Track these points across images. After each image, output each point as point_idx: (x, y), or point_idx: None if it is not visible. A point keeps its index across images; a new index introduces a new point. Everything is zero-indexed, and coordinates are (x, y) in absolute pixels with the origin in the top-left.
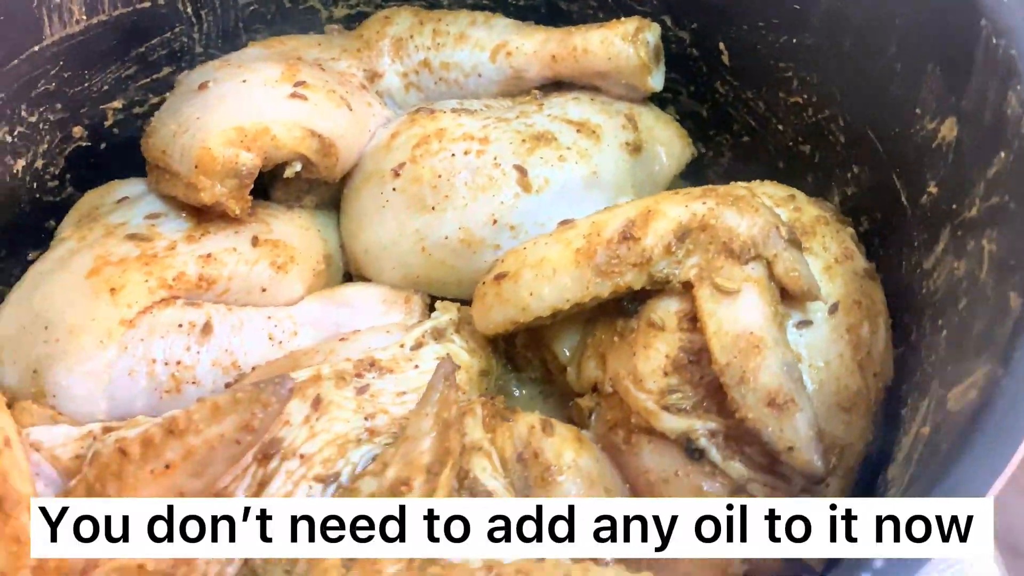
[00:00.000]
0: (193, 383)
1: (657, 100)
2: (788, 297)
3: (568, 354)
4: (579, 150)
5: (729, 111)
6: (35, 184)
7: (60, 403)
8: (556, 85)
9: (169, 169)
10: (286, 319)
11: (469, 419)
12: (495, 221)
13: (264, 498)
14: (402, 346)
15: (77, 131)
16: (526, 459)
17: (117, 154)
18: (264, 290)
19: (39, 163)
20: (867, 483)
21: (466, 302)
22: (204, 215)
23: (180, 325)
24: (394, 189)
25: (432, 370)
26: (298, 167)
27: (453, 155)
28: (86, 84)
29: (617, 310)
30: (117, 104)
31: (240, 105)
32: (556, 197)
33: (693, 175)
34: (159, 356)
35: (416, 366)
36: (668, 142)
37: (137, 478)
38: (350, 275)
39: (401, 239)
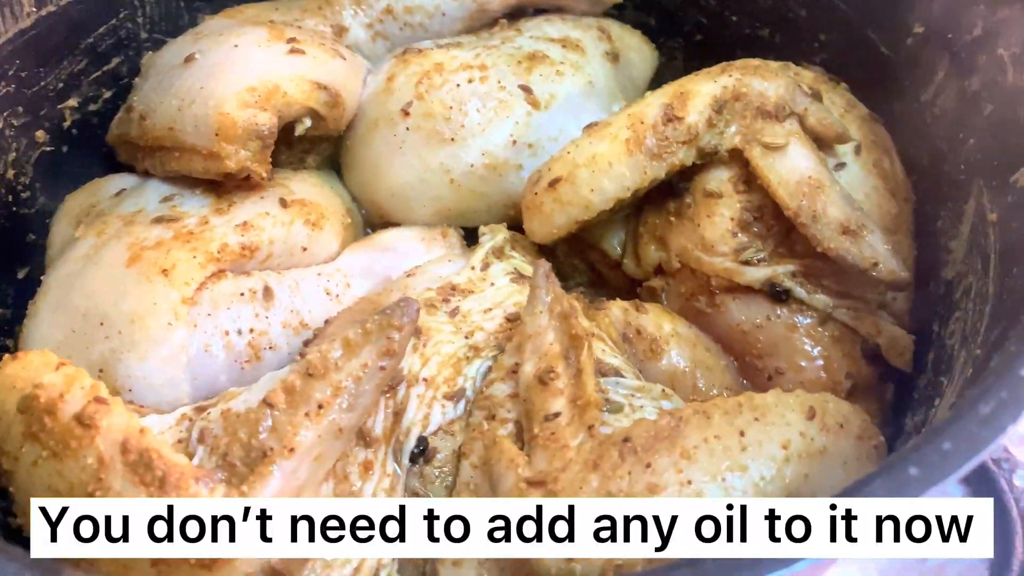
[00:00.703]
0: (270, 348)
1: (604, 15)
2: (819, 145)
3: (618, 249)
4: (571, 63)
5: (677, 15)
6: (10, 197)
7: (138, 395)
8: (516, 15)
9: (181, 146)
10: (336, 273)
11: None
12: (514, 141)
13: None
14: (472, 268)
15: (40, 135)
16: (630, 337)
17: (78, 157)
18: (304, 249)
19: (10, 173)
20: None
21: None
22: (221, 187)
23: (242, 294)
24: (407, 129)
25: (506, 285)
26: (308, 123)
27: (458, 85)
28: (42, 83)
29: (664, 193)
30: (73, 103)
31: (245, 67)
32: (562, 110)
33: (652, 83)
34: (231, 327)
35: (492, 284)
36: (638, 48)
37: (294, 424)
38: (372, 224)
39: (427, 175)
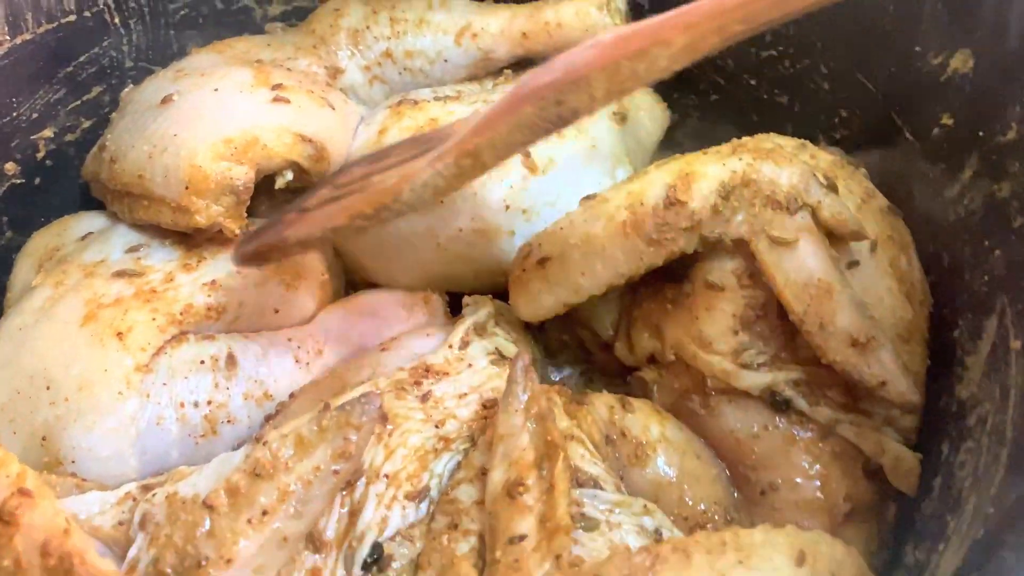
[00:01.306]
0: (228, 421)
1: None
2: (831, 240)
3: (609, 330)
4: (575, 125)
5: (693, 71)
6: None
7: (82, 467)
8: (523, 63)
9: (149, 195)
10: (308, 339)
11: (553, 408)
12: (507, 206)
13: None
14: (450, 347)
15: (10, 167)
16: (614, 440)
17: (53, 189)
18: (276, 311)
19: None
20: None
21: (482, 294)
22: (192, 240)
23: (202, 362)
24: None
25: (485, 367)
26: (290, 176)
27: None
28: (14, 113)
29: (662, 278)
30: (48, 133)
31: (222, 115)
32: (561, 174)
33: (663, 139)
34: (187, 398)
35: (469, 365)
36: (649, 108)
37: (234, 531)
38: (353, 282)
39: (412, 238)
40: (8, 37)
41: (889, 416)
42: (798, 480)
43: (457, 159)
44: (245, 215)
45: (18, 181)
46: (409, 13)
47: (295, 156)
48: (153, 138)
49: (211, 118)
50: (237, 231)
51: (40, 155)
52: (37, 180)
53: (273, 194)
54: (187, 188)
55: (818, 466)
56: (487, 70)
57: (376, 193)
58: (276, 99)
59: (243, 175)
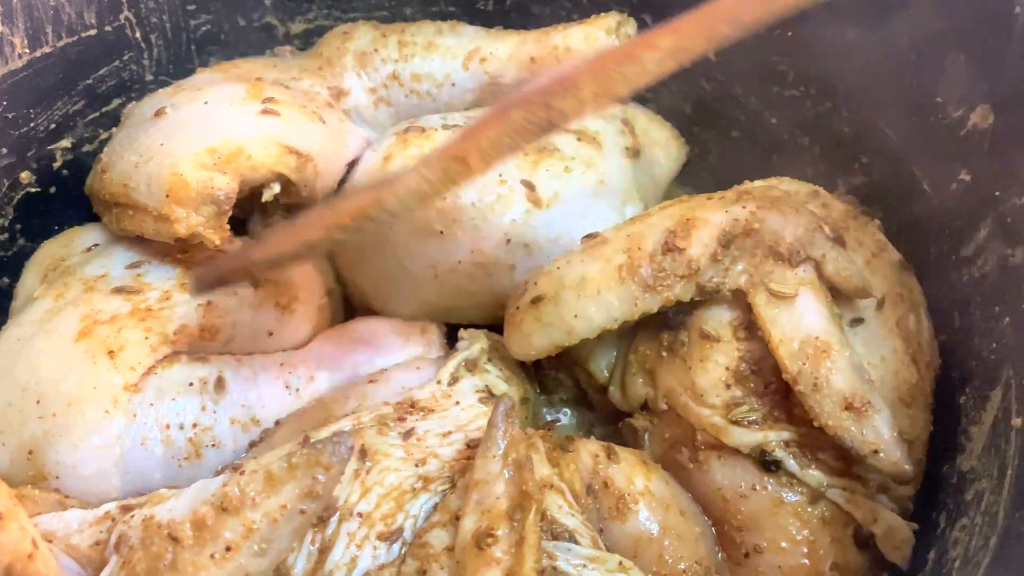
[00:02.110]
0: (213, 445)
1: (637, 98)
2: (837, 296)
3: (605, 372)
4: (583, 159)
5: (715, 107)
6: None
7: (65, 484)
8: None
9: (134, 204)
10: (300, 365)
11: (533, 455)
12: (508, 240)
13: None
14: (439, 383)
15: (25, 176)
16: (596, 490)
17: (68, 199)
18: (271, 334)
19: None
20: (925, 474)
21: (481, 326)
22: (190, 258)
23: (191, 384)
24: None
25: (473, 405)
26: (276, 188)
27: None
28: (32, 124)
29: (659, 323)
30: (65, 143)
31: (209, 126)
32: (566, 209)
33: (680, 174)
34: (173, 420)
35: (457, 402)
36: (664, 144)
37: (196, 565)
38: (351, 306)
39: (411, 267)
40: (28, 50)
41: (884, 483)
42: (784, 544)
43: (444, 163)
44: (227, 227)
45: (33, 190)
46: (418, 37)
47: (281, 168)
48: (141, 148)
49: (197, 129)
50: (217, 242)
51: (56, 165)
52: (52, 189)
53: (267, 209)
54: (168, 196)
55: (806, 531)
56: (495, 95)
57: (357, 202)
58: (265, 111)
59: (225, 185)
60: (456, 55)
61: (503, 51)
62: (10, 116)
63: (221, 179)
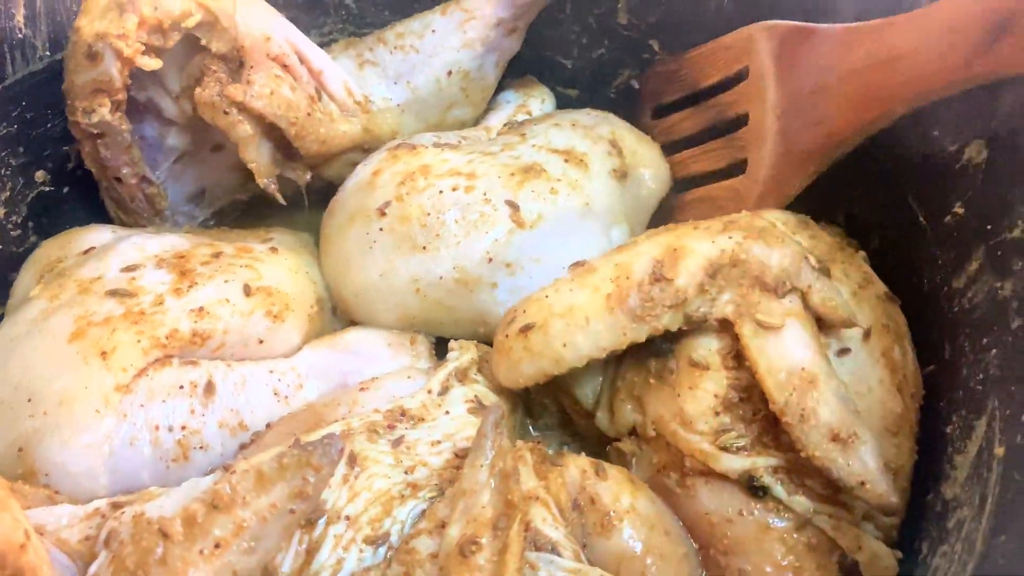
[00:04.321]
0: (201, 448)
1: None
2: (821, 326)
3: (591, 398)
4: (569, 181)
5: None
6: None
7: (55, 481)
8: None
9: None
10: (289, 372)
11: (520, 467)
12: (490, 259)
13: None
14: (429, 392)
15: (40, 176)
16: (582, 505)
17: (80, 199)
18: (261, 341)
19: (1, 212)
20: (911, 499)
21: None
22: (187, 264)
23: (181, 387)
24: (381, 229)
25: (463, 415)
26: (198, 16)
27: (441, 192)
28: (49, 125)
29: (647, 350)
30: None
31: None
32: (550, 230)
33: (680, 191)
34: (162, 422)
35: (447, 412)
36: (653, 164)
37: (185, 561)
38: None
39: (393, 281)
40: (48, 52)
41: (869, 511)
42: (769, 569)
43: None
44: (132, 29)
45: (47, 189)
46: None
47: None
48: None
49: None
50: (116, 33)
51: (71, 165)
52: (66, 189)
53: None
54: (81, 13)
55: (791, 557)
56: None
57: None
58: None
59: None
60: (434, 11)
61: None
62: (29, 116)
63: None
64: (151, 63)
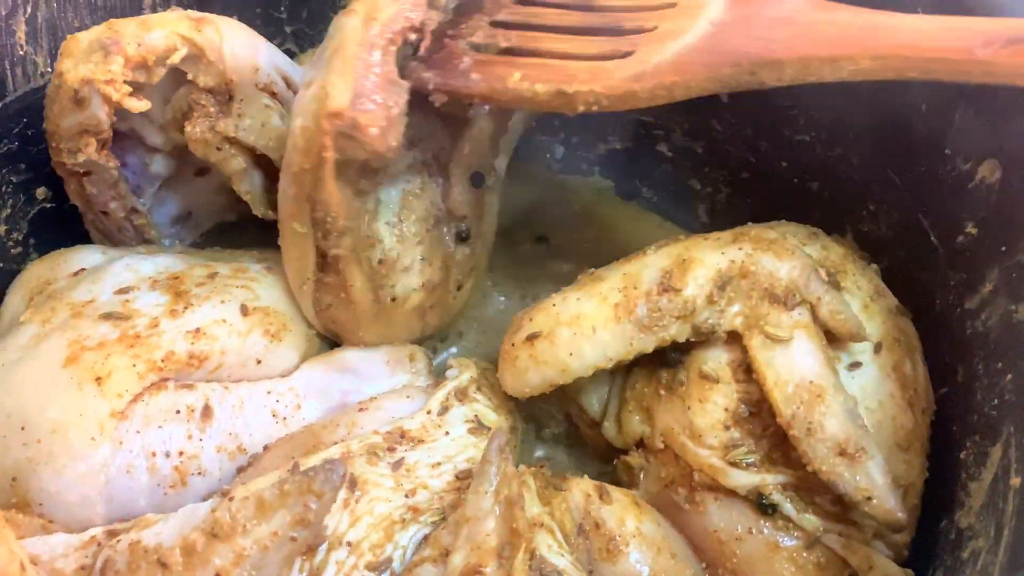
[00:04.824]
0: (199, 473)
1: (649, 137)
2: (832, 340)
3: (597, 408)
4: None
5: (727, 148)
6: None
7: (49, 511)
8: None
9: (50, 98)
10: (288, 392)
11: (524, 492)
12: None
13: None
14: (428, 412)
15: (41, 192)
16: (587, 530)
17: (80, 217)
18: (259, 362)
19: (1, 228)
20: (924, 525)
21: None
22: (182, 285)
23: (178, 411)
24: None
25: (463, 436)
26: (183, 51)
27: None
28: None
29: (656, 361)
30: None
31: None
32: None
33: (683, 208)
34: (159, 448)
35: (447, 432)
36: None
37: None
38: None
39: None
40: (50, 69)
41: (879, 529)
42: None
43: (653, 88)
44: (117, 73)
45: (48, 206)
46: None
47: (177, 28)
48: None
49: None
50: (104, 79)
51: None
52: (67, 206)
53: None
54: (61, 54)
55: None
56: None
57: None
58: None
59: (116, 36)
60: None
61: None
62: (30, 133)
63: (111, 35)
64: (139, 105)
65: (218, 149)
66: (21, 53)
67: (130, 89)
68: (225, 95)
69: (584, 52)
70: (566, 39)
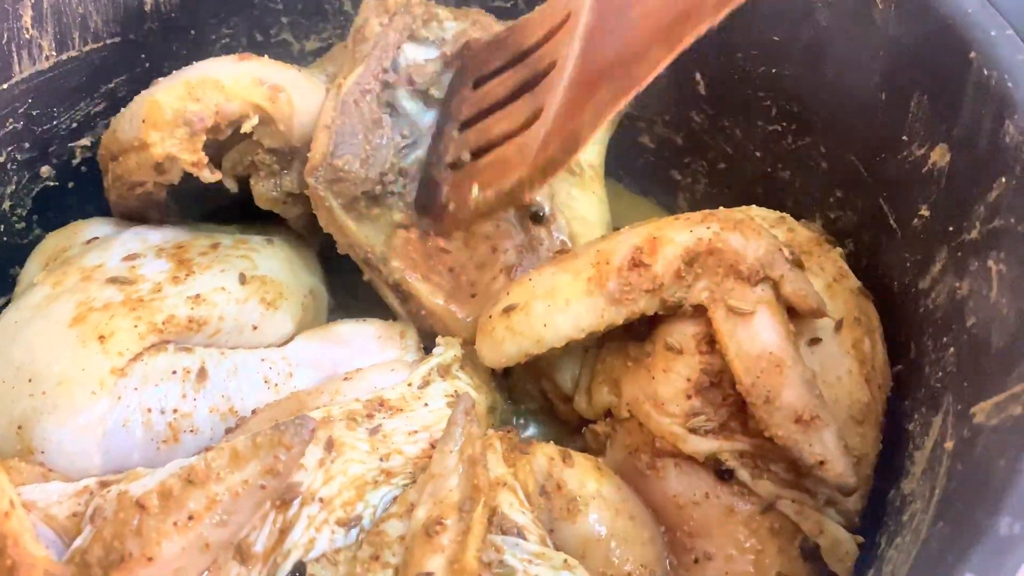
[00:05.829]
0: (191, 431)
1: (631, 128)
2: (794, 316)
3: (570, 383)
4: None
5: (704, 139)
6: (2, 227)
7: (50, 459)
8: None
9: (119, 146)
10: (281, 361)
11: (490, 454)
12: None
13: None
14: (410, 385)
15: (45, 171)
16: (549, 491)
17: (84, 194)
18: (255, 328)
19: (6, 204)
20: (875, 496)
21: None
22: (185, 254)
23: (174, 372)
24: None
25: (441, 408)
26: (255, 119)
27: None
28: (54, 122)
29: (626, 335)
30: (85, 142)
31: (189, 71)
32: None
33: (666, 198)
34: (154, 405)
35: (425, 404)
36: None
37: (159, 532)
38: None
39: None
40: (55, 52)
41: (832, 497)
42: (732, 552)
43: (563, 144)
44: (203, 154)
45: (51, 184)
46: None
47: (254, 97)
48: (134, 102)
49: (179, 74)
50: (193, 161)
51: (76, 161)
52: (70, 184)
53: (260, 169)
54: (144, 122)
55: (754, 540)
56: None
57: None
58: (242, 58)
59: (199, 108)
60: None
61: None
62: (34, 113)
63: (194, 105)
64: (212, 177)
65: (284, 203)
66: (27, 36)
67: (207, 159)
68: (287, 156)
69: (518, 123)
70: (507, 113)
